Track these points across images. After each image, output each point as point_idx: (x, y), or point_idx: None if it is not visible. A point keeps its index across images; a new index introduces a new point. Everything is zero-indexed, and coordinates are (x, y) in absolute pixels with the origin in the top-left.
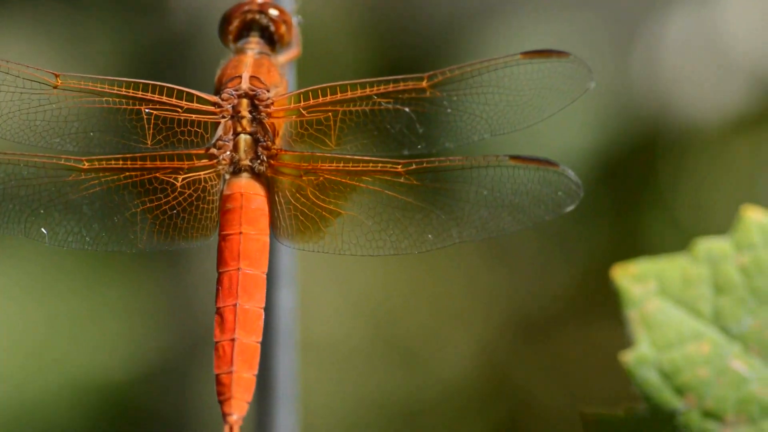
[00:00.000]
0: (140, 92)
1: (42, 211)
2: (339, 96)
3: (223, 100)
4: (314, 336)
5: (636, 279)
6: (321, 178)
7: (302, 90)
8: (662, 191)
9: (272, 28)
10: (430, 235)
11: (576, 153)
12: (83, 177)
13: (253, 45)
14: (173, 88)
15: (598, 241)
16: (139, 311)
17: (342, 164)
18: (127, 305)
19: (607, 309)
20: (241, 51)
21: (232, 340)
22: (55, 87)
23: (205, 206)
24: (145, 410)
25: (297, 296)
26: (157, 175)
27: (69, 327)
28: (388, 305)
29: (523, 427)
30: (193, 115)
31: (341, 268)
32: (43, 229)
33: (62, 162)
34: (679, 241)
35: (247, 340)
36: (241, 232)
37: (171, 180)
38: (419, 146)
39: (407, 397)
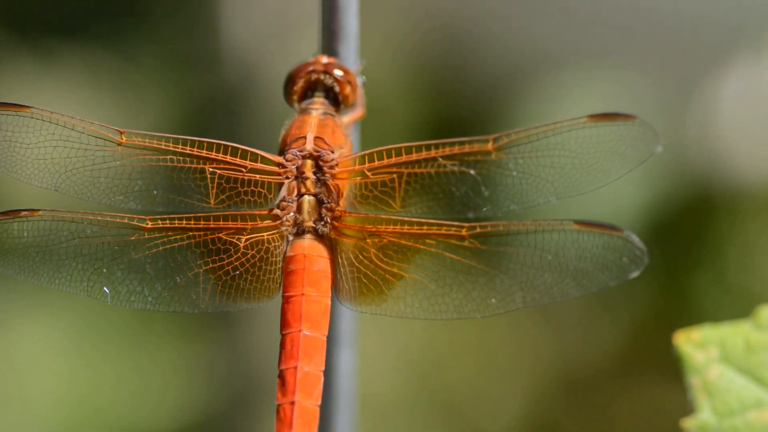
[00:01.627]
0: (204, 151)
1: (105, 270)
2: (404, 158)
3: (287, 160)
4: (361, 393)
5: (698, 345)
6: (384, 241)
7: (367, 151)
8: (713, 253)
9: (337, 88)
10: (493, 300)
11: (626, 212)
12: (146, 236)
13: (318, 105)
14: (237, 148)
15: (645, 302)
16: (183, 367)
17: (406, 227)
18: (184, 361)
19: (654, 370)
20: (305, 111)
21: (293, 403)
22: (120, 144)
23: (268, 267)
24: None
25: (357, 359)
26: (221, 235)
27: (113, 381)
28: (431, 359)
29: None
30: (257, 176)
31: (388, 323)
32: (105, 288)
33: (126, 221)
34: (728, 304)
35: (306, 403)
36: (303, 294)
37: (234, 240)
38: (484, 209)
39: None
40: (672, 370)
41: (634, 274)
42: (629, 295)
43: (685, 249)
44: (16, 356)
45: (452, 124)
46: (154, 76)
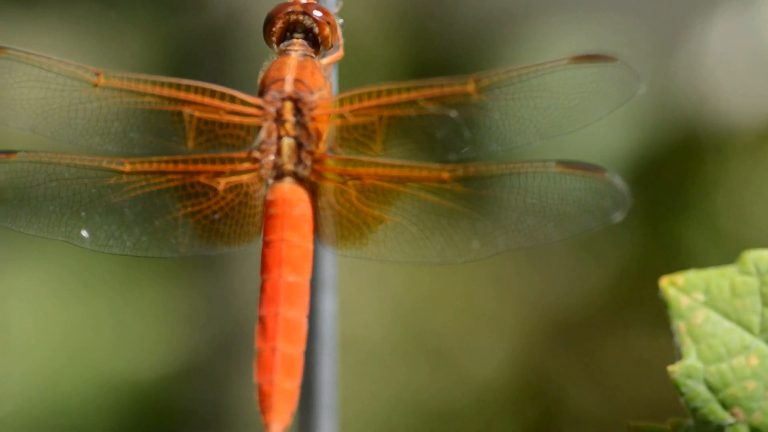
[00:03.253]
0: (182, 93)
1: (83, 214)
2: (384, 99)
3: (266, 102)
4: (344, 338)
5: (684, 290)
6: (365, 184)
7: (346, 93)
8: (699, 195)
9: (316, 30)
10: (475, 243)
11: (612, 155)
12: (125, 180)
13: (297, 47)
14: (216, 90)
15: (632, 245)
16: (176, 312)
17: (387, 169)
18: (165, 306)
19: (640, 314)
20: (284, 53)
21: (274, 349)
22: (96, 85)
23: (248, 211)
24: (180, 409)
25: (338, 303)
26: (199, 179)
27: (105, 326)
28: (417, 306)
29: (554, 430)
30: (236, 118)
31: (371, 269)
32: (83, 232)
33: (104, 164)
34: (714, 246)
35: (289, 349)
36: (283, 239)
37: (213, 184)
38: (466, 151)
39: (438, 400)
40: (659, 316)
41: (618, 217)
42: (616, 240)
43: (672, 192)
44: (5, 302)
45: (434, 65)
46: (136, 19)
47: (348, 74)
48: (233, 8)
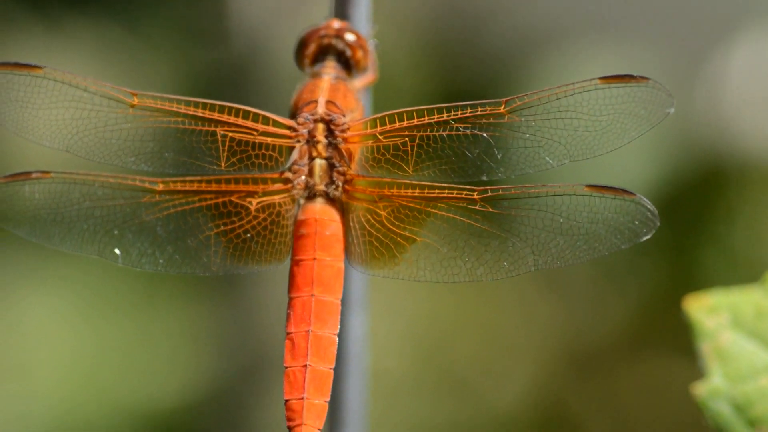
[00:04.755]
0: (216, 113)
1: (116, 232)
2: (416, 121)
3: (299, 124)
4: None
5: (709, 311)
6: (396, 204)
7: (378, 115)
8: (721, 225)
9: (348, 53)
10: (505, 263)
11: (634, 184)
12: (158, 199)
13: (330, 69)
14: (249, 111)
15: (653, 274)
16: (193, 337)
17: (418, 191)
18: (181, 330)
19: (661, 343)
20: (317, 75)
21: (305, 366)
22: (132, 106)
23: (279, 231)
24: None
25: (368, 323)
26: (232, 198)
27: (122, 351)
28: (439, 336)
29: None
30: (269, 139)
31: (392, 293)
32: (116, 250)
33: (137, 183)
34: (736, 276)
35: (320, 366)
36: (315, 258)
37: (245, 203)
38: (497, 172)
39: (455, 428)
40: (681, 344)
41: (646, 237)
42: (636, 269)
43: (693, 221)
44: (22, 326)
45: (462, 93)
46: (162, 48)
47: (380, 102)
48: (255, 40)
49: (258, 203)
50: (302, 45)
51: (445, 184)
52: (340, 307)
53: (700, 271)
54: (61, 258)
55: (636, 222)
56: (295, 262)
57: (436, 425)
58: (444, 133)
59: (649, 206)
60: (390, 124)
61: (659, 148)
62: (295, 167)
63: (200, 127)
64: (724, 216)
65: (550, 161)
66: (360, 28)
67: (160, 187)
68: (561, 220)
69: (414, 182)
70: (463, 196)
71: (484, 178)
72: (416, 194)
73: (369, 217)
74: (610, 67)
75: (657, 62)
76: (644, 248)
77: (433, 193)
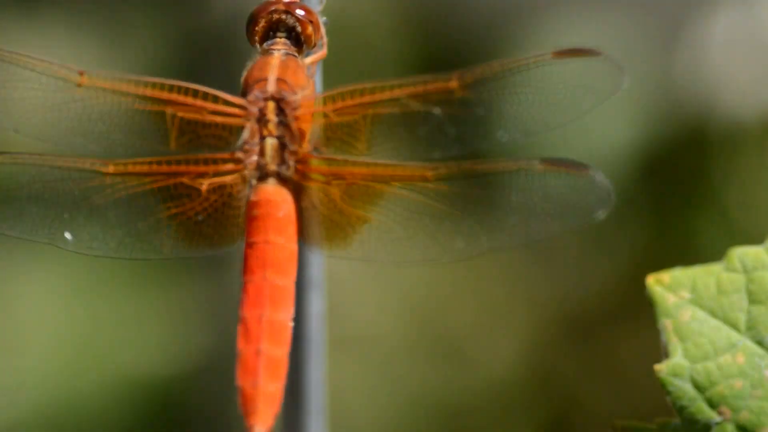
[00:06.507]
0: (165, 93)
1: (66, 216)
2: (367, 98)
3: (249, 102)
4: (356, 332)
5: (670, 288)
6: (349, 183)
7: (329, 92)
8: (706, 189)
9: (299, 28)
10: (459, 243)
11: (619, 151)
12: (108, 181)
13: (280, 46)
14: (198, 90)
15: (641, 240)
16: (183, 310)
17: (370, 169)
18: (171, 305)
19: (652, 308)
20: (267, 52)
21: (258, 351)
22: (80, 85)
23: (231, 212)
24: (188, 408)
25: (325, 301)
26: (182, 180)
27: (113, 326)
28: (430, 302)
29: (568, 427)
30: (218, 118)
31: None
32: (67, 234)
33: (87, 165)
34: (726, 238)
35: (274, 351)
36: (267, 241)
37: (196, 185)
38: (451, 148)
39: (449, 395)
40: None
41: (601, 215)
42: (627, 235)
43: (678, 186)
44: (15, 302)
45: (444, 58)
46: (142, 16)
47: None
48: (235, 8)
49: (209, 184)
50: (252, 21)
51: (398, 162)
52: (294, 290)
53: (690, 235)
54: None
55: (590, 199)
56: (248, 245)
57: (429, 392)
58: (396, 110)
59: (602, 182)
60: (341, 101)
61: (642, 113)
62: (246, 147)
63: (149, 107)
64: (713, 179)
65: (505, 136)
66: (310, 3)
67: (110, 169)
68: (515, 198)
69: (367, 161)
70: (417, 173)
71: (438, 154)
72: (369, 172)
73: (322, 196)
74: (589, 38)
75: (638, 28)
76: (630, 213)
77: (386, 171)
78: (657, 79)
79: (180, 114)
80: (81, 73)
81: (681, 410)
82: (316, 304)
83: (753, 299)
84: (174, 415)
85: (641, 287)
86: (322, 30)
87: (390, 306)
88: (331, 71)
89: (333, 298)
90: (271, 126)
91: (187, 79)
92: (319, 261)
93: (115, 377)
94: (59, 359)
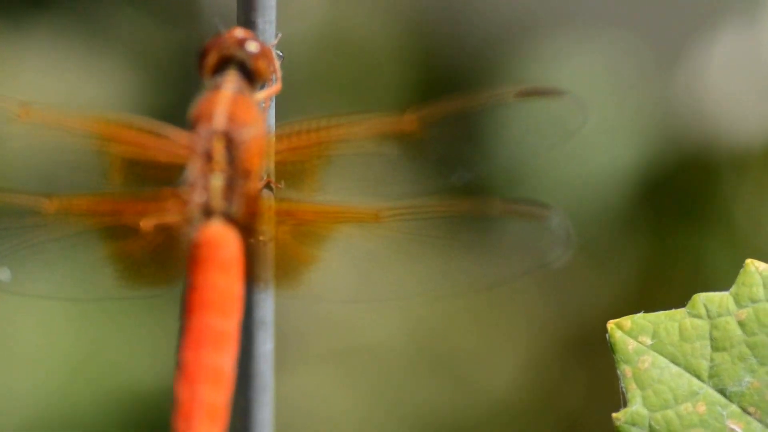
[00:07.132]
0: (108, 128)
1: (7, 255)
2: (320, 136)
3: (195, 138)
4: (358, 346)
5: (630, 333)
6: (299, 223)
7: (280, 130)
8: (711, 211)
9: (251, 63)
10: (411, 285)
11: (622, 172)
12: (49, 219)
13: (230, 81)
14: (143, 126)
15: (644, 261)
16: (178, 325)
17: (320, 209)
18: (166, 319)
19: None
20: (217, 87)
21: (196, 396)
22: (20, 118)
23: (174, 253)
24: None
25: (273, 341)
26: (123, 218)
27: (109, 341)
28: (430, 321)
29: None
30: (162, 155)
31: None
32: (5, 276)
33: (27, 202)
34: (731, 259)
35: (214, 397)
36: (208, 282)
37: (137, 224)
38: (406, 188)
39: (448, 415)
40: None
41: (561, 260)
42: (630, 255)
43: (686, 207)
44: (12, 319)
45: (444, 80)
46: (125, 33)
47: (348, 87)
48: (222, 20)
49: (151, 223)
50: (202, 55)
51: (348, 204)
52: (237, 332)
53: (696, 257)
54: None
55: (548, 242)
56: (189, 286)
57: (430, 411)
58: (348, 150)
59: (559, 226)
60: (291, 139)
61: (644, 134)
62: (191, 184)
63: (91, 143)
64: (717, 200)
65: (460, 177)
66: (265, 37)
67: (50, 206)
68: (471, 240)
69: (316, 201)
70: (367, 215)
71: (393, 194)
72: (319, 213)
73: (270, 235)
74: (591, 59)
75: (640, 49)
76: (634, 233)
77: (336, 211)
78: (660, 100)
79: (123, 150)
80: (22, 106)
81: None
82: (264, 344)
83: (716, 346)
84: (169, 429)
85: (643, 308)
86: (276, 64)
87: (390, 325)
88: (332, 94)
89: (332, 313)
90: (218, 163)
91: (173, 92)
92: (267, 300)
93: (111, 392)
94: (56, 375)
